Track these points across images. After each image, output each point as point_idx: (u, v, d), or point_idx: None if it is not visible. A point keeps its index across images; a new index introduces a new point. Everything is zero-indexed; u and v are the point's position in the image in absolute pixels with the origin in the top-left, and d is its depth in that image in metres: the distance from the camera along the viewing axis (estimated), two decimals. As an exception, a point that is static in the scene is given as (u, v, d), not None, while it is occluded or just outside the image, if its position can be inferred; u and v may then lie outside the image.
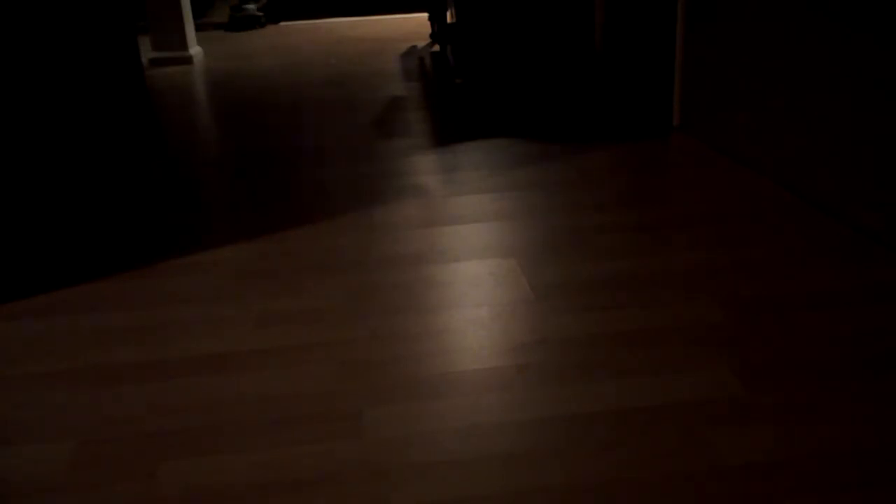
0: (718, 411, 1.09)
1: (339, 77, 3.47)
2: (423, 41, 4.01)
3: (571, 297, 1.42)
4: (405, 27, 4.79)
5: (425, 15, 4.78)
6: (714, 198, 1.84)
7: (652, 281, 1.46)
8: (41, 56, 1.58)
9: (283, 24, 5.08)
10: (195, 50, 4.07)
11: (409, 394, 1.16)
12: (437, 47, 4.07)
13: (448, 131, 2.53)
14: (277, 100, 3.11)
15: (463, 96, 2.92)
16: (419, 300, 1.43)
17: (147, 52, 3.85)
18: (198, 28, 4.60)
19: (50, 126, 1.60)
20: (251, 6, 5.02)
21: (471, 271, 1.54)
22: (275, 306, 1.41)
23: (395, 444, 1.06)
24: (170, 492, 0.99)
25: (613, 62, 2.90)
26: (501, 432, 1.07)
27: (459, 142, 2.38)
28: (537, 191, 1.95)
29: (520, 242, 1.66)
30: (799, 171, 1.82)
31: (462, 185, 2.01)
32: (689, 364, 1.20)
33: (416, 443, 1.06)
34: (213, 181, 2.17)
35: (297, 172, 2.20)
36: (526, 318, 1.36)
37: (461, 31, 2.94)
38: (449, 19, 3.46)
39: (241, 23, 5.00)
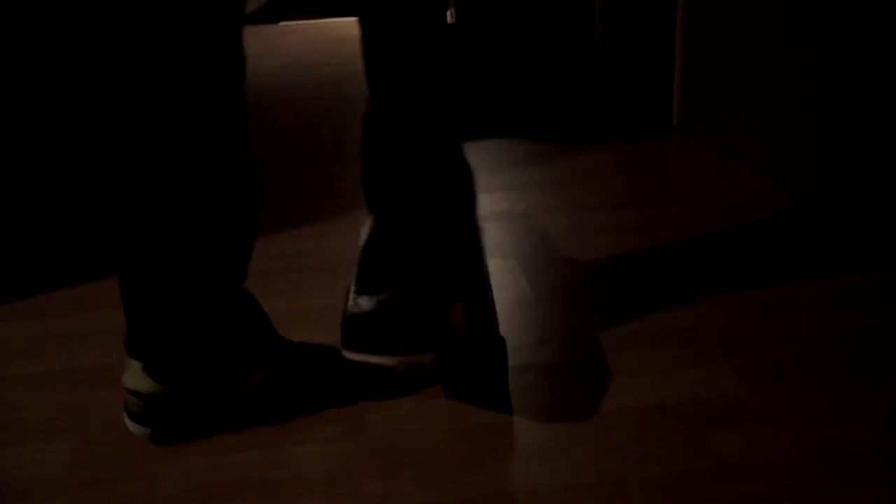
0: (718, 411, 1.09)
1: (339, 77, 3.47)
2: (422, 41, 4.02)
3: (571, 297, 1.42)
4: (405, 27, 4.78)
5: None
6: (714, 198, 1.84)
7: (651, 281, 1.46)
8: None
9: (282, 23, 5.08)
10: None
11: (410, 393, 1.16)
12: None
13: (448, 131, 2.52)
14: (276, 100, 3.11)
15: (463, 96, 2.92)
16: (419, 300, 1.43)
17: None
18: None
19: (49, 126, 1.60)
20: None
21: (471, 271, 1.53)
22: (274, 306, 1.41)
23: (397, 443, 1.06)
24: (170, 491, 0.99)
25: (613, 62, 2.90)
26: (502, 432, 1.07)
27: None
28: (537, 191, 1.95)
29: (519, 243, 1.66)
30: (799, 171, 1.82)
31: (462, 185, 2.01)
32: (689, 364, 1.20)
33: (418, 442, 1.06)
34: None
35: (296, 173, 2.20)
36: (526, 318, 1.36)
37: (461, 32, 2.94)
38: (450, 20, 3.46)
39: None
